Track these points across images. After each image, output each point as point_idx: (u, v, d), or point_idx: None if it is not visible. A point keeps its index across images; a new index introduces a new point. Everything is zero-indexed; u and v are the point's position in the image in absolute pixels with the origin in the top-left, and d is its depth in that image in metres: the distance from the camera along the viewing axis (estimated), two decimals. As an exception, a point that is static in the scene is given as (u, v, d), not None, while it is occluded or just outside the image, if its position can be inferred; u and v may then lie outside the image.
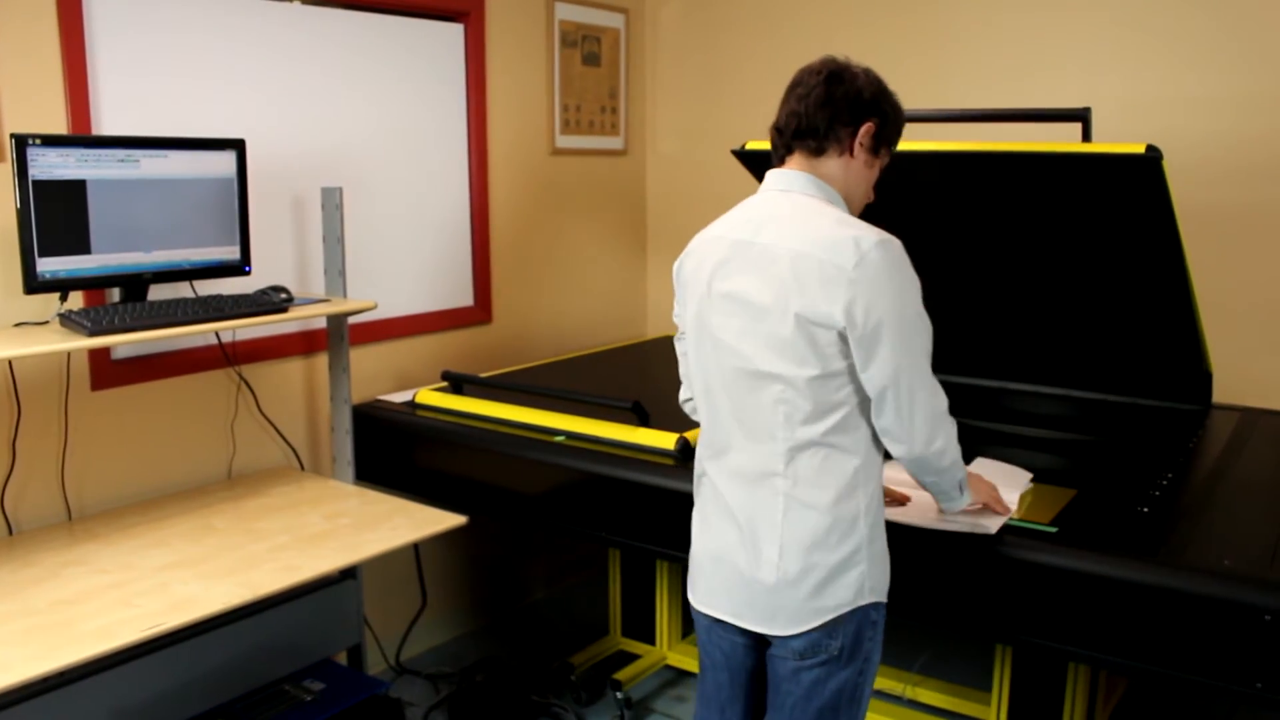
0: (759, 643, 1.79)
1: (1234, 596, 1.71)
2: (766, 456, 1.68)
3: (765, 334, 1.64)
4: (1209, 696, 2.94)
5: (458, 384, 2.93)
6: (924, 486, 1.81)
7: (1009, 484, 2.12)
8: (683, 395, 1.97)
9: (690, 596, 1.86)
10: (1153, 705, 2.97)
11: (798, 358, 1.62)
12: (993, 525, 1.92)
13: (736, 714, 1.88)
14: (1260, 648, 1.69)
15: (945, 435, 1.70)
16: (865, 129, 1.70)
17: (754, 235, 1.68)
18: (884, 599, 1.74)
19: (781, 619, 1.69)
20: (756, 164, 2.71)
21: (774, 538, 1.67)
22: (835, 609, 1.67)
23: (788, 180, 1.72)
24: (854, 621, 1.69)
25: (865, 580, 1.69)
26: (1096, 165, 2.17)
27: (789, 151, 1.73)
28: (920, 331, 1.65)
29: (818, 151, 1.70)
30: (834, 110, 1.68)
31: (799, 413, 1.64)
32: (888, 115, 1.73)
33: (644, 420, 2.51)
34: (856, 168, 1.73)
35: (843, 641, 1.69)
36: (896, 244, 1.62)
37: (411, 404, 2.89)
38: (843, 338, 1.60)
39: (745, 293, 1.66)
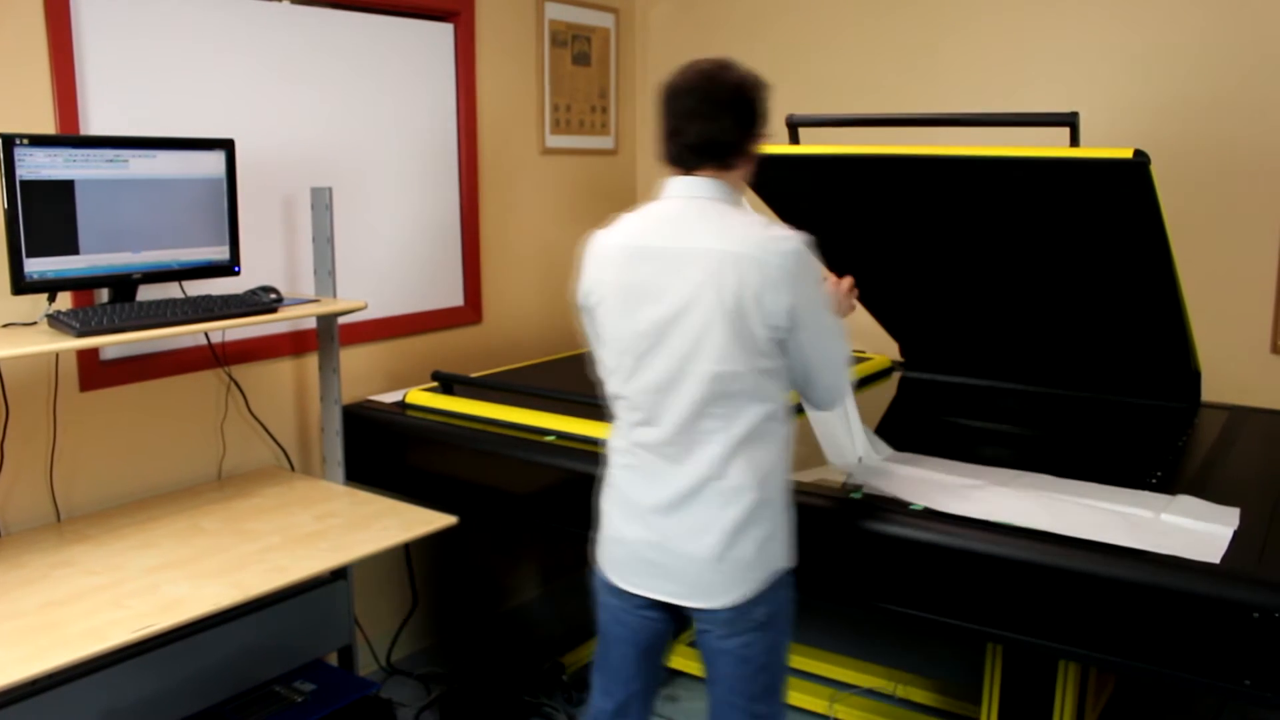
0: (672, 615, 1.92)
1: (1222, 594, 1.72)
2: (700, 444, 1.78)
3: (700, 333, 1.72)
4: (1198, 694, 2.95)
5: (448, 384, 2.93)
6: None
7: None
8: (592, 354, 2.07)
9: (610, 575, 1.93)
10: (1143, 703, 2.98)
11: (732, 354, 1.72)
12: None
13: (639, 685, 2.01)
14: (1249, 645, 1.70)
15: (849, 394, 1.98)
16: (759, 138, 1.84)
17: (677, 240, 1.76)
18: (794, 563, 1.91)
19: (715, 593, 1.80)
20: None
21: (708, 517, 1.78)
22: (761, 579, 1.82)
23: (701, 187, 1.80)
24: (777, 587, 1.85)
25: (784, 549, 1.87)
26: (1085, 170, 2.18)
27: (697, 165, 1.81)
28: (836, 321, 1.84)
29: (728, 167, 1.81)
30: (745, 128, 1.79)
31: (730, 404, 1.75)
32: (768, 118, 1.85)
33: (635, 420, 2.51)
34: (748, 171, 1.87)
35: (767, 607, 1.83)
36: (807, 237, 1.77)
37: (402, 404, 2.89)
38: (776, 332, 1.73)
39: (679, 294, 1.74)
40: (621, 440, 1.91)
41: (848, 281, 2.12)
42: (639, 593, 1.89)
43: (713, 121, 1.76)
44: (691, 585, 1.82)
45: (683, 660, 3.14)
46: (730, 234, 1.72)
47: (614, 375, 1.88)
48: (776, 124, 3.58)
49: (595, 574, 1.99)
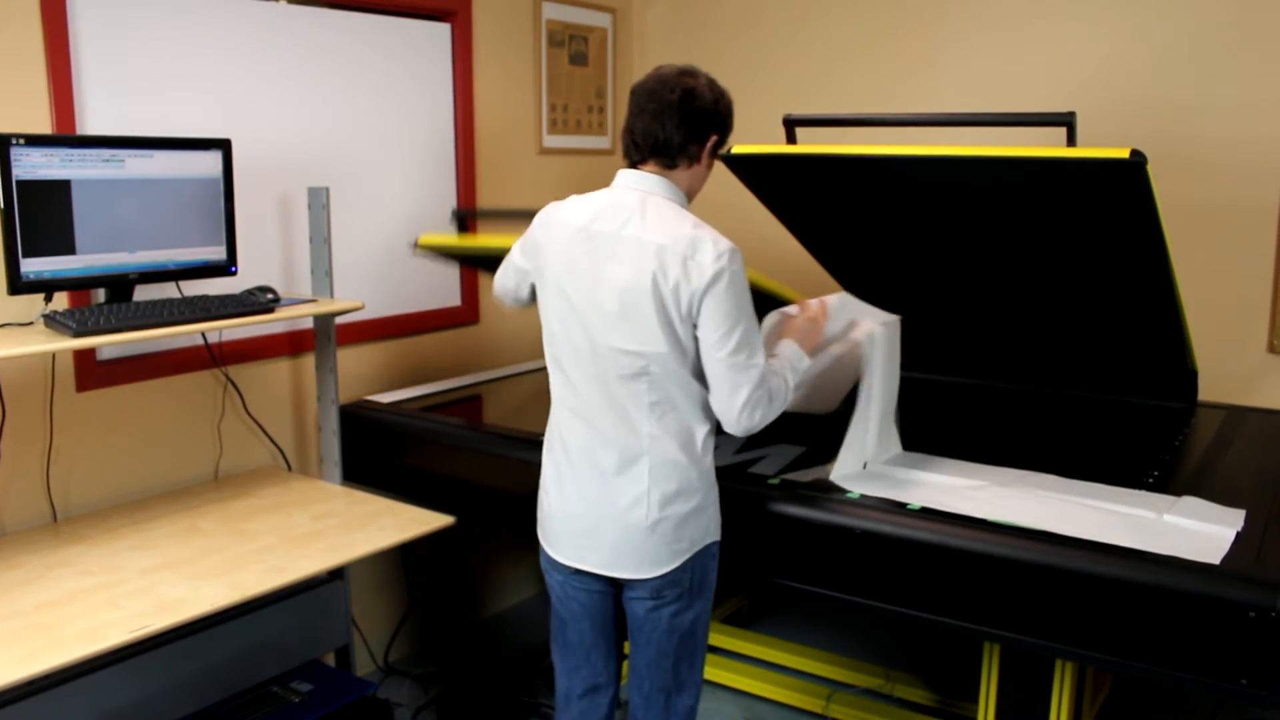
0: (615, 587, 2.00)
1: (1219, 593, 1.72)
2: (632, 421, 1.89)
3: (628, 314, 1.84)
4: (1195, 693, 2.96)
5: (463, 221, 2.96)
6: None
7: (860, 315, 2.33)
8: (502, 286, 2.18)
9: (552, 553, 2.03)
10: (1140, 702, 2.99)
11: (655, 336, 1.83)
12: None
13: (600, 657, 2.07)
14: (1245, 644, 1.70)
15: (762, 413, 1.87)
16: (711, 141, 1.93)
17: (619, 229, 1.86)
18: (720, 537, 2.01)
19: (647, 563, 1.91)
20: (741, 167, 2.71)
21: (641, 492, 1.89)
22: (689, 550, 1.92)
23: (648, 184, 1.91)
24: (702, 558, 1.95)
25: (711, 522, 1.97)
26: (1082, 170, 2.18)
27: (643, 160, 1.92)
28: (754, 326, 1.87)
29: (671, 166, 1.91)
30: (688, 130, 1.89)
31: (659, 385, 1.86)
32: (727, 122, 1.95)
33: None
34: (699, 171, 1.97)
35: (692, 577, 1.95)
36: (738, 249, 1.85)
37: (413, 245, 2.86)
38: (689, 320, 1.83)
39: (611, 276, 1.85)
40: (557, 414, 2.01)
41: (811, 312, 2.17)
42: (574, 565, 1.98)
43: (655, 121, 1.88)
44: (623, 555, 1.92)
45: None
46: (664, 228, 1.83)
47: (553, 341, 1.98)
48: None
49: (541, 552, 2.07)
